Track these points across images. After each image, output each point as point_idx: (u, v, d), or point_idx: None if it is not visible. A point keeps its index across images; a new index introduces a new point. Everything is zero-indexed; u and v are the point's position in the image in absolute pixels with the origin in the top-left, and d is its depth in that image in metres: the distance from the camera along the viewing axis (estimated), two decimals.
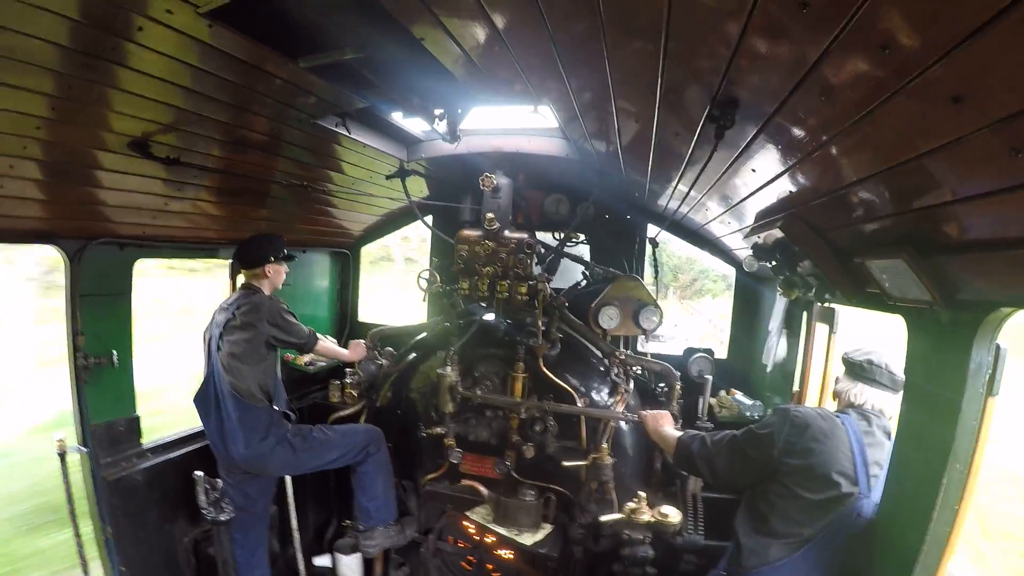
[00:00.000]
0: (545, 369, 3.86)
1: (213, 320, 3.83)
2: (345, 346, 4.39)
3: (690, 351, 4.41)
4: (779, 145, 1.85)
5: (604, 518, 3.62)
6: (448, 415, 3.95)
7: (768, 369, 4.08)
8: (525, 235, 3.86)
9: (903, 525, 2.09)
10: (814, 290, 3.10)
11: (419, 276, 4.18)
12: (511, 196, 3.97)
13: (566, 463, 3.79)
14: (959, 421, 1.79)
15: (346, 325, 5.45)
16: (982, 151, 1.12)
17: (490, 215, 3.79)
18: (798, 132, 1.65)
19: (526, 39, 1.89)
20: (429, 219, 4.85)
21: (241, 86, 2.37)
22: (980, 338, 1.74)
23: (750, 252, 3.39)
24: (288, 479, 4.31)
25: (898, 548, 2.07)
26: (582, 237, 4.68)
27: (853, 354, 2.74)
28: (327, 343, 4.11)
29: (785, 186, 2.18)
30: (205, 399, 3.69)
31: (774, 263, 3.13)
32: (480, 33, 1.89)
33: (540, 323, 3.83)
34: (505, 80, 2.41)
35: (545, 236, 4.52)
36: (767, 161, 2.05)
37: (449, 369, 3.85)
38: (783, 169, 2.01)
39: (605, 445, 3.78)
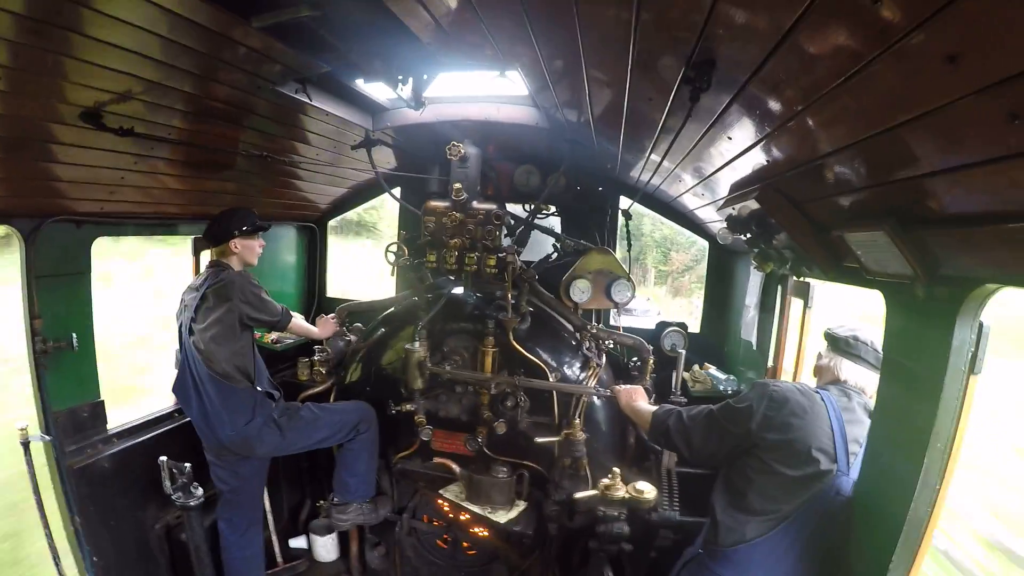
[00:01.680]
0: (515, 343, 3.76)
1: (182, 302, 3.68)
2: (313, 323, 4.25)
3: (663, 325, 4.35)
4: (756, 111, 1.75)
5: (578, 495, 3.57)
6: (417, 392, 3.85)
7: (753, 345, 4.05)
8: (494, 206, 3.73)
9: (883, 504, 2.05)
10: (789, 264, 3.04)
11: (387, 249, 4.04)
12: (479, 166, 3.84)
13: (538, 439, 3.73)
14: (940, 399, 1.74)
15: (314, 301, 5.30)
16: (977, 117, 1.02)
17: (457, 185, 3.64)
18: (776, 97, 1.55)
19: (496, 2, 1.77)
20: (397, 191, 4.68)
21: (194, 50, 2.21)
22: (963, 315, 1.68)
23: (724, 225, 3.31)
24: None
25: (878, 527, 2.04)
26: (553, 209, 4.57)
27: (837, 329, 2.68)
28: (298, 321, 3.98)
29: (761, 156, 2.09)
30: (183, 386, 3.58)
31: (749, 236, 3.06)
32: None
33: (510, 296, 3.73)
34: (473, 45, 2.29)
35: (516, 208, 4.40)
36: (743, 129, 1.96)
37: (417, 344, 3.74)
38: (760, 138, 1.91)
39: (577, 420, 3.72)
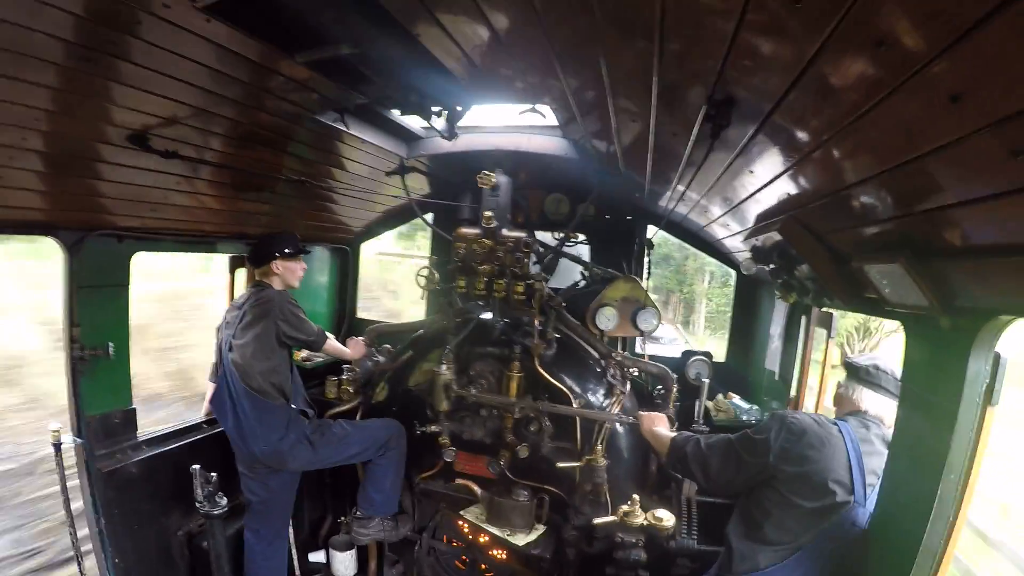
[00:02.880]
0: (541, 369, 3.82)
1: (224, 319, 3.85)
2: (344, 343, 4.38)
3: (688, 354, 4.38)
4: (776, 146, 1.82)
5: (597, 520, 3.59)
6: (443, 413, 3.92)
7: (776, 376, 4.05)
8: (523, 234, 3.84)
9: (897, 536, 2.06)
10: (811, 294, 3.07)
11: (417, 274, 4.16)
12: (510, 194, 3.96)
13: (560, 464, 3.76)
14: (955, 430, 1.76)
15: (345, 322, 5.43)
16: (981, 152, 1.09)
17: (488, 213, 3.76)
18: (795, 132, 1.62)
19: (524, 39, 1.88)
20: (429, 217, 4.84)
21: (239, 80, 2.36)
22: (978, 346, 1.70)
23: (749, 254, 3.37)
24: None
25: (891, 560, 2.04)
26: (582, 237, 4.66)
27: (857, 359, 2.71)
28: (334, 341, 4.09)
29: (783, 188, 2.15)
30: (220, 400, 3.71)
31: (772, 266, 3.11)
32: (478, 32, 1.88)
33: (536, 322, 3.80)
34: (504, 78, 2.40)
35: (545, 236, 4.49)
36: (765, 162, 2.03)
37: (444, 367, 3.82)
38: (781, 170, 1.98)
39: (599, 447, 3.75)
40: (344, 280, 5.29)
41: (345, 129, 3.17)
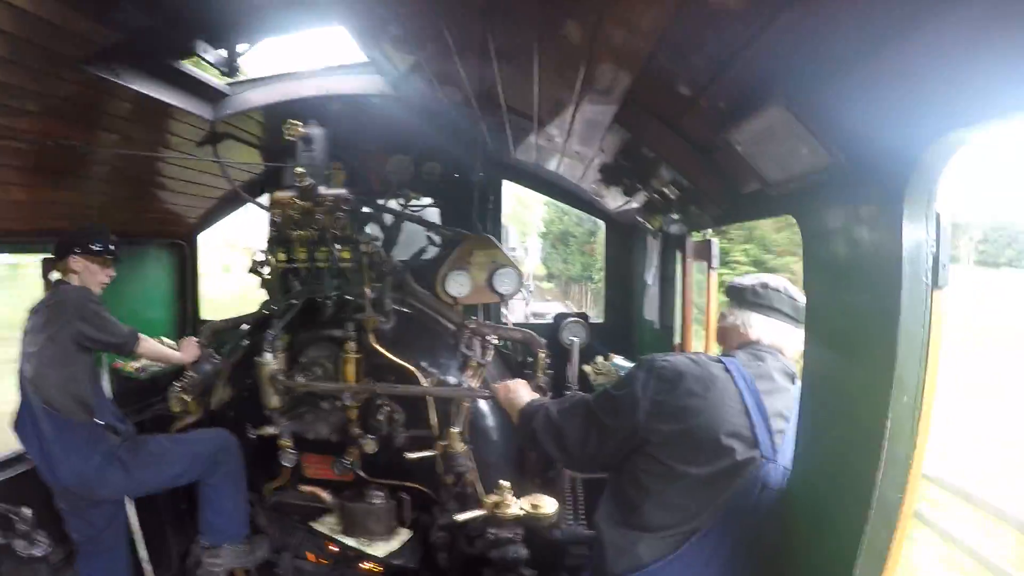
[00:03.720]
0: (376, 345, 3.27)
1: (24, 328, 3.25)
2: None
3: (560, 316, 3.87)
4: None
5: (460, 516, 3.04)
6: (276, 411, 3.35)
7: (656, 325, 3.53)
8: (343, 191, 3.28)
9: (832, 494, 1.50)
10: (680, 214, 2.55)
11: (252, 259, 3.60)
12: (326, 148, 3.40)
13: (410, 455, 3.21)
14: (899, 333, 1.21)
15: (188, 326, 4.83)
16: None
17: (299, 169, 3.18)
18: None
19: None
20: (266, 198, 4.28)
21: None
22: (911, 204, 1.17)
23: (599, 176, 2.84)
24: (128, 502, 3.71)
25: (831, 523, 1.48)
26: (429, 201, 4.13)
27: (741, 279, 2.15)
28: (152, 344, 3.49)
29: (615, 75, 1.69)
30: (22, 422, 3.12)
31: (626, 181, 2.58)
32: None
33: (368, 292, 3.25)
34: None
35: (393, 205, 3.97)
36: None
37: (269, 356, 3.26)
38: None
39: (455, 430, 3.19)
40: (183, 279, 4.70)
41: (116, 80, 2.65)
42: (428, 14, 1.83)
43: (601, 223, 4.60)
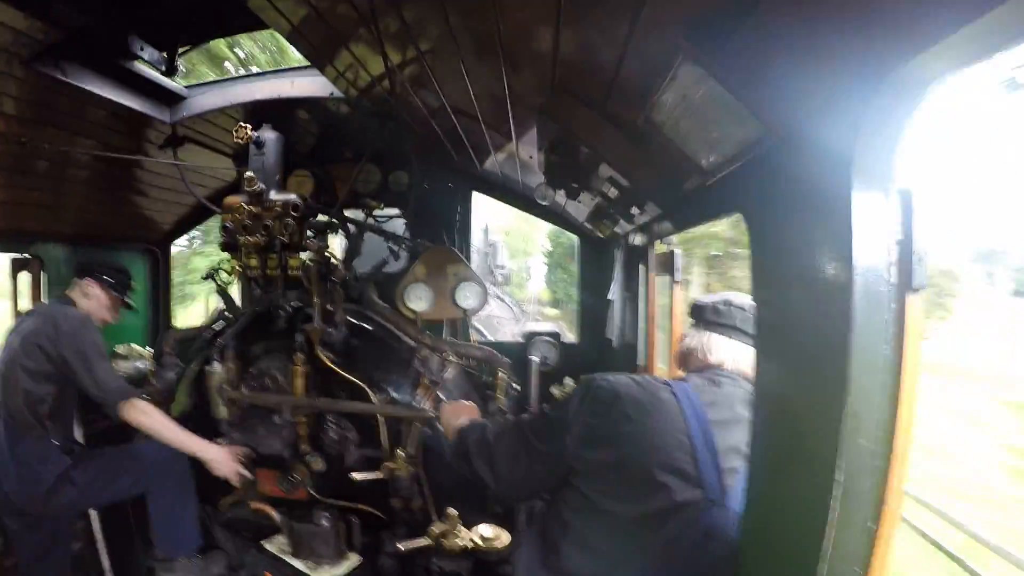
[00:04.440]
0: (323, 357, 3.11)
1: (12, 326, 3.25)
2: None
3: (530, 335, 3.63)
4: None
5: (403, 545, 2.84)
6: (225, 422, 3.24)
7: (621, 344, 3.28)
8: (293, 196, 3.15)
9: (784, 552, 1.20)
10: (623, 218, 2.34)
11: (217, 268, 3.52)
12: (279, 152, 3.29)
13: (356, 476, 3.03)
14: (850, 349, 0.95)
15: (160, 335, 4.78)
16: None
17: (249, 174, 3.07)
18: None
19: None
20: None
21: None
22: (863, 177, 0.92)
23: (542, 180, 2.64)
24: (93, 513, 3.66)
25: None
26: (396, 212, 3.97)
27: (703, 297, 1.92)
28: (156, 418, 3.11)
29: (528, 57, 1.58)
30: None
31: (569, 183, 2.38)
32: None
33: (315, 301, 3.11)
34: None
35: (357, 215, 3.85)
36: None
37: (217, 366, 3.15)
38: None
39: (401, 451, 3.01)
40: (156, 287, 4.65)
41: (65, 79, 2.63)
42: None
43: None
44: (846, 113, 0.90)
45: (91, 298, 3.27)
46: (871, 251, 0.92)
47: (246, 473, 3.20)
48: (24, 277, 3.71)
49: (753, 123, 1.08)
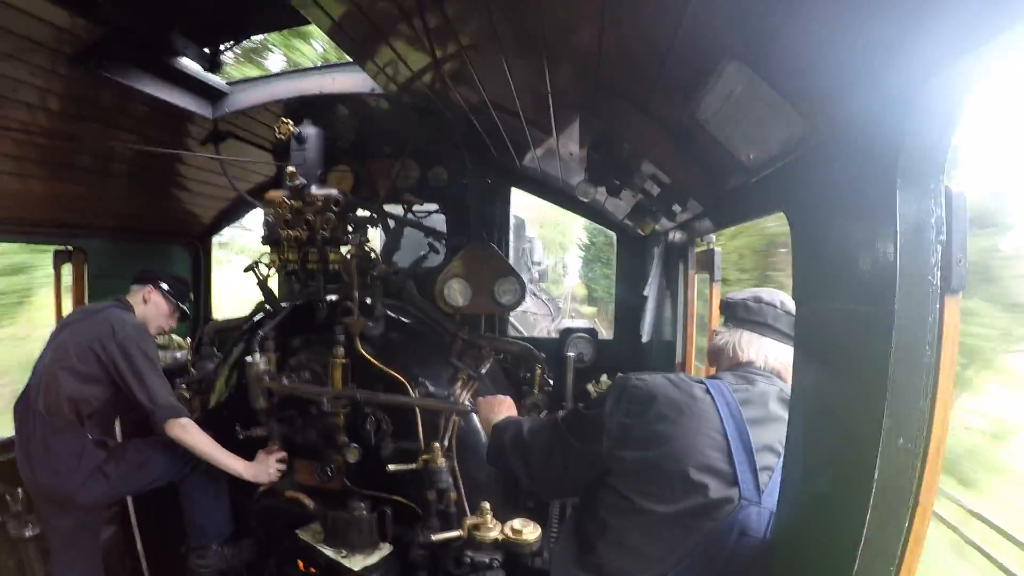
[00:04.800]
0: (363, 351, 3.16)
1: (63, 322, 3.32)
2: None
3: (567, 331, 3.65)
4: None
5: (437, 536, 2.89)
6: (263, 412, 3.29)
7: (660, 342, 3.28)
8: (334, 191, 3.21)
9: (819, 551, 1.22)
10: (672, 216, 2.35)
11: (258, 262, 3.59)
12: (320, 147, 3.35)
13: (391, 467, 3.07)
14: (892, 350, 0.96)
15: (198, 329, 4.88)
16: None
17: (291, 169, 3.14)
18: None
19: None
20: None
21: None
22: (908, 177, 0.93)
23: (583, 177, 2.66)
24: (129, 500, 3.75)
25: None
26: (434, 207, 4.01)
27: (734, 294, 1.93)
28: (198, 436, 3.10)
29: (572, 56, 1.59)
30: (23, 408, 3.12)
31: (610, 180, 2.40)
32: None
33: (356, 295, 3.15)
34: None
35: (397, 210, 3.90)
36: None
37: (258, 357, 3.21)
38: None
39: (438, 444, 3.04)
40: (196, 280, 4.74)
41: (108, 75, 2.70)
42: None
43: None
44: (891, 113, 0.90)
45: (151, 304, 3.35)
46: (915, 252, 0.93)
47: (280, 474, 3.28)
48: (67, 269, 3.82)
49: (798, 122, 1.09)
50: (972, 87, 0.86)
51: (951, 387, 1.00)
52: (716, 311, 2.82)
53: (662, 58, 1.43)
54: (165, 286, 3.38)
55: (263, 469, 3.25)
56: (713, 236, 2.71)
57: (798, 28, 0.99)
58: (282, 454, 3.32)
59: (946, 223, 0.95)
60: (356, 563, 3.17)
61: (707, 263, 2.78)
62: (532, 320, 8.26)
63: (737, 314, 1.86)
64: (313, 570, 3.57)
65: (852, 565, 1.01)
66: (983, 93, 0.82)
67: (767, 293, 1.86)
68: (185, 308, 3.52)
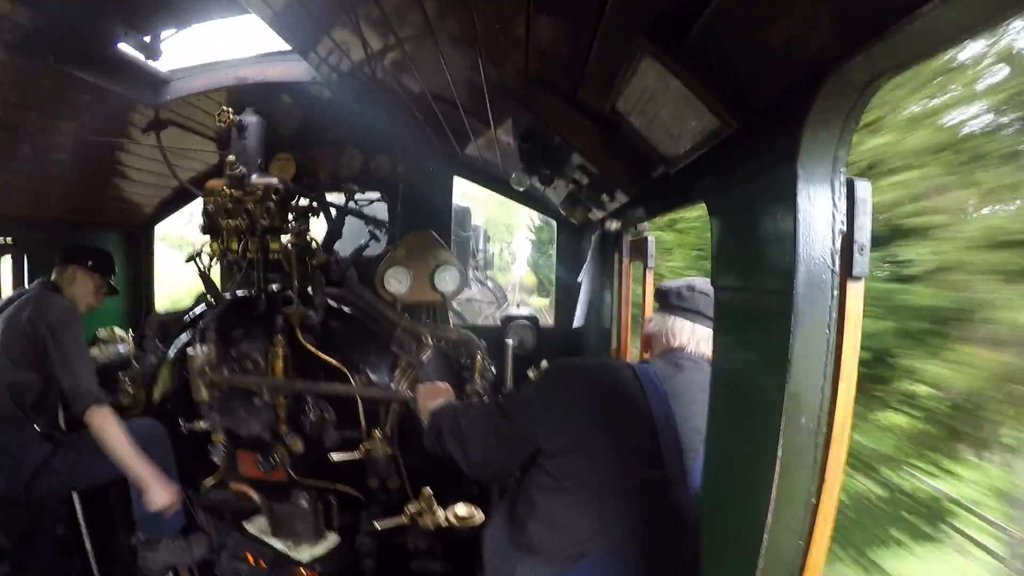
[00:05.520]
0: (304, 341, 3.15)
1: None
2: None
3: (508, 318, 3.68)
4: None
5: (380, 524, 2.90)
6: (206, 404, 3.26)
7: (596, 328, 3.35)
8: (274, 180, 3.18)
9: (729, 534, 1.28)
10: (594, 205, 2.39)
11: (199, 252, 3.53)
12: (261, 136, 3.32)
13: (334, 456, 3.08)
14: (793, 333, 1.00)
15: (141, 320, 4.79)
16: None
17: (231, 157, 3.10)
18: None
19: None
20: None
21: None
22: (808, 166, 0.96)
23: (521, 167, 2.69)
24: (75, 496, 3.68)
25: (736, 558, 1.24)
26: (377, 196, 4.00)
27: (667, 283, 1.98)
28: (113, 430, 3.01)
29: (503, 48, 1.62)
30: None
31: (542, 169, 2.43)
32: None
33: (295, 284, 3.15)
34: None
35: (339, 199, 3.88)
36: None
37: (199, 348, 3.18)
38: None
39: (378, 432, 3.06)
40: (137, 271, 4.66)
41: (46, 63, 2.64)
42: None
43: None
44: (793, 106, 0.94)
45: (77, 284, 3.27)
46: (815, 240, 0.98)
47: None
48: (6, 261, 3.72)
49: (708, 115, 1.13)
50: (873, 82, 0.90)
51: (855, 370, 1.05)
52: (648, 299, 2.88)
53: (585, 51, 1.46)
54: (90, 262, 3.30)
55: (167, 496, 3.10)
56: (647, 225, 2.76)
57: (707, 25, 1.02)
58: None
59: (846, 214, 1.00)
60: (303, 554, 3.19)
61: (640, 251, 2.84)
62: (477, 308, 8.29)
63: (670, 301, 1.92)
64: (262, 564, 3.57)
65: (761, 538, 1.06)
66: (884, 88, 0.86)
67: (700, 282, 1.92)
68: (111, 282, 3.45)
